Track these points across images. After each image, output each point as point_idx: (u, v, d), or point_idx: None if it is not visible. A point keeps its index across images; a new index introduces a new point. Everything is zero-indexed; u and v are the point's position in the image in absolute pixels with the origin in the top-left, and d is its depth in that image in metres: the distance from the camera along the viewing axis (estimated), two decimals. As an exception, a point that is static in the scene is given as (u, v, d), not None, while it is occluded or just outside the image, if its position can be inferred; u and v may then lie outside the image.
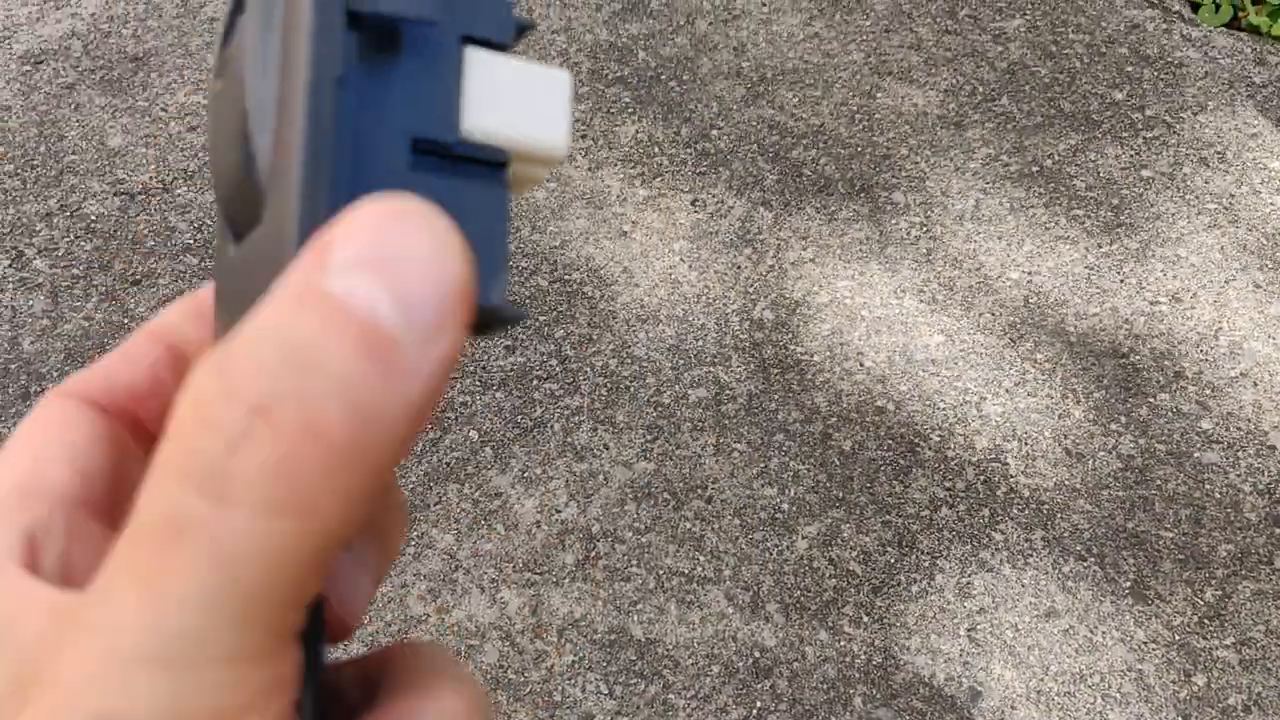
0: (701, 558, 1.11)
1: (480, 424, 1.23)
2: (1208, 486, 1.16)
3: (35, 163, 1.52)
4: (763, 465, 1.17)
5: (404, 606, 1.10)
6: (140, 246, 1.40)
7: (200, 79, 1.62)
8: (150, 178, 1.49)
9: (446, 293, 0.16)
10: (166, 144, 1.53)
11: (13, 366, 1.28)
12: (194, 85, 1.61)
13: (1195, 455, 1.19)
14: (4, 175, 1.50)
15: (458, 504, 1.17)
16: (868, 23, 1.67)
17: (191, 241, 1.40)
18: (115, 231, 1.42)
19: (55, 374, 1.27)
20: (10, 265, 1.38)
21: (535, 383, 1.26)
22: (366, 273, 0.15)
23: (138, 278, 1.37)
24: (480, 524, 1.16)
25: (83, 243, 1.41)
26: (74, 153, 1.53)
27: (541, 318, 1.32)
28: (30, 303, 1.34)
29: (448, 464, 1.20)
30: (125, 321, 1.32)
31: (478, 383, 1.26)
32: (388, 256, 0.16)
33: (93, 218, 1.44)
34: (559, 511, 1.15)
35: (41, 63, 1.65)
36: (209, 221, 1.42)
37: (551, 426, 1.21)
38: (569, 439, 1.20)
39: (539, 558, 1.12)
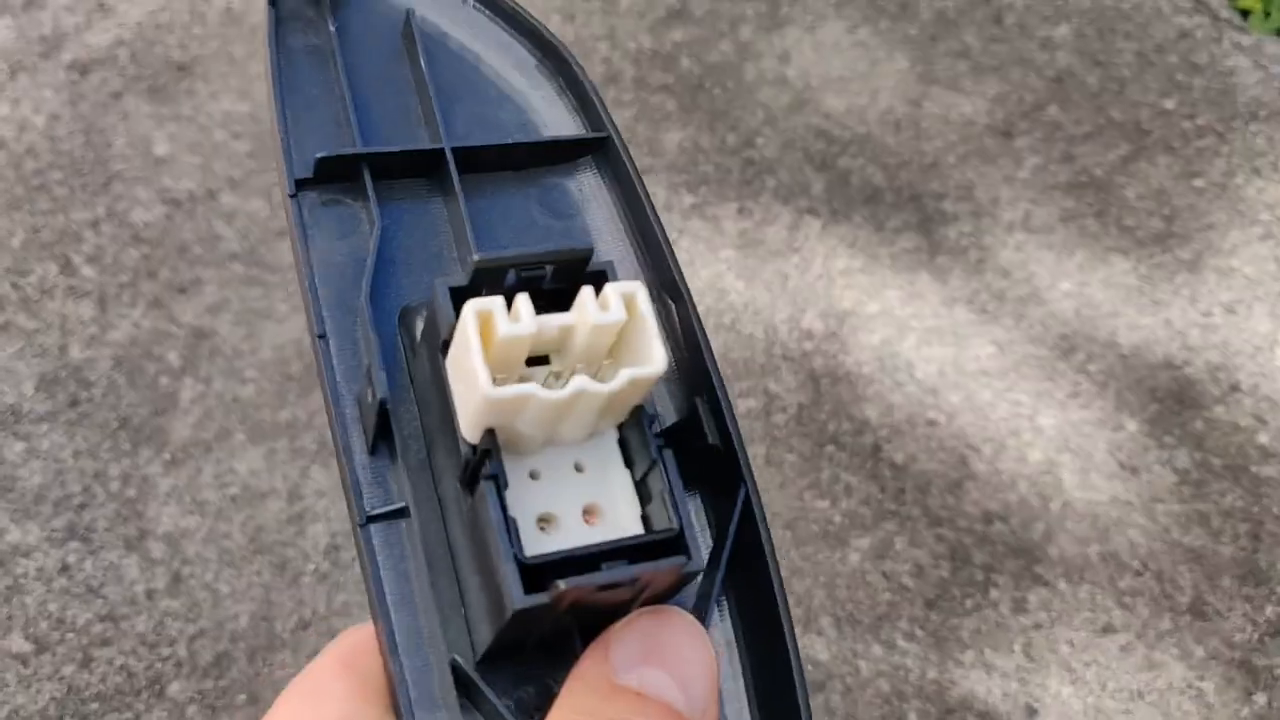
0: (752, 570, 1.10)
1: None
2: (1265, 501, 1.14)
3: (83, 170, 1.52)
4: (814, 477, 1.16)
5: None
6: (186, 254, 1.41)
7: (243, 86, 1.62)
8: (196, 185, 1.50)
9: (712, 674, 0.21)
10: (211, 151, 1.54)
11: (62, 374, 1.29)
12: (238, 93, 1.61)
13: (1253, 469, 1.17)
14: (53, 183, 1.50)
15: (505, 514, 1.17)
16: (914, 30, 1.65)
17: (237, 249, 1.41)
18: (161, 239, 1.43)
19: (104, 381, 1.27)
20: (60, 272, 1.39)
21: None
22: (653, 667, 0.20)
23: (184, 285, 1.37)
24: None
25: (130, 250, 1.42)
26: (121, 160, 1.54)
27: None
28: (79, 310, 1.35)
29: (495, 474, 1.19)
30: (171, 329, 1.32)
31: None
32: (666, 653, 0.20)
33: (139, 225, 1.45)
34: (607, 522, 1.14)
35: (89, 71, 1.66)
36: (254, 228, 1.43)
37: (599, 437, 1.21)
38: (617, 449, 1.20)
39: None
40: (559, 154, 0.47)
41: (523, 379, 0.30)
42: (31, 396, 1.27)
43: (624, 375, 0.30)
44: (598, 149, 0.47)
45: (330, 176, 0.43)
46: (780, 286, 1.35)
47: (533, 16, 0.51)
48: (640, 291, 0.31)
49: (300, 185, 0.43)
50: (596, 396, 0.30)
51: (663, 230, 0.44)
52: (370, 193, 0.43)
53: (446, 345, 0.32)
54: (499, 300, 0.30)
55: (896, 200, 1.44)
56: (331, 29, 0.49)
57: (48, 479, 1.20)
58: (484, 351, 0.30)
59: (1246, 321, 1.30)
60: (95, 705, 1.06)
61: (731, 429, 0.38)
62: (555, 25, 1.67)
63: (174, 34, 1.72)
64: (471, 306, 0.30)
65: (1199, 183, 1.45)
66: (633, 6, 1.70)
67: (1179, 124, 1.53)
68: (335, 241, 0.43)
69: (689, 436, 0.38)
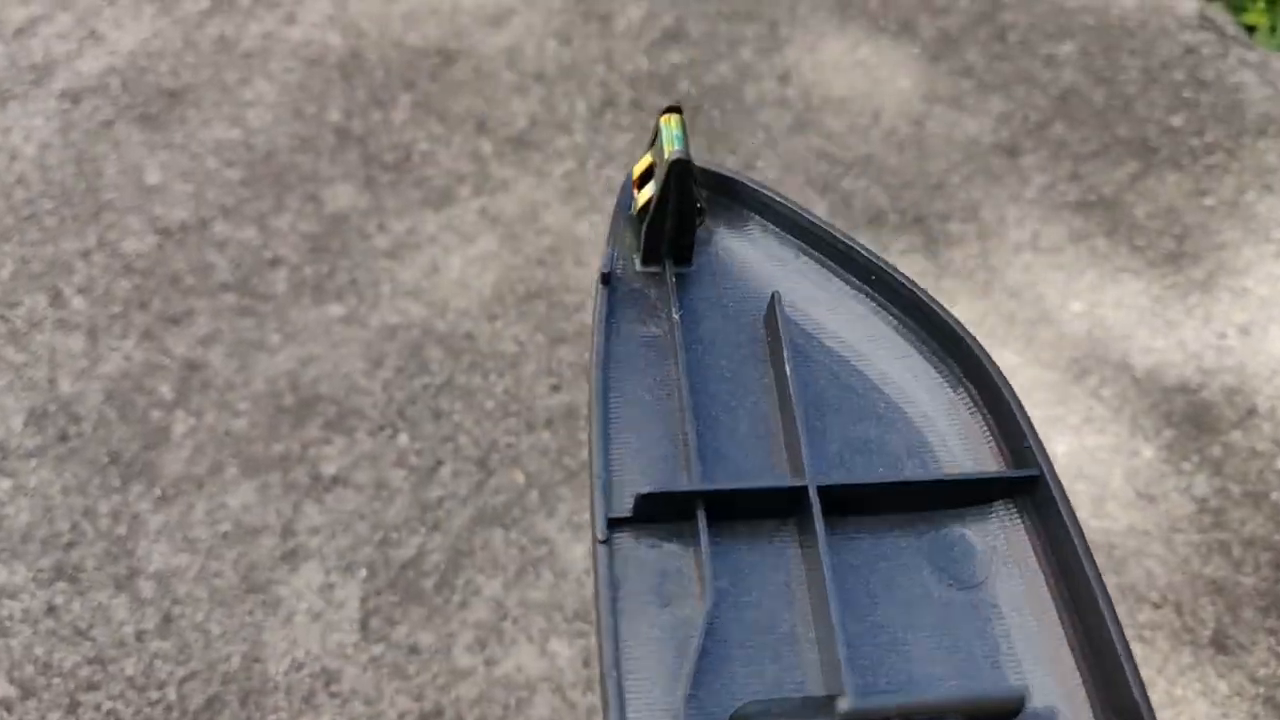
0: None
1: (526, 465, 1.19)
2: (1287, 528, 1.11)
3: (74, 200, 1.50)
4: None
5: (450, 659, 1.07)
6: (178, 284, 1.38)
7: (236, 114, 1.60)
8: (188, 214, 1.47)
9: None
10: (203, 179, 1.51)
11: (51, 407, 1.26)
12: (230, 120, 1.59)
13: (1273, 496, 1.14)
14: (43, 213, 1.48)
15: (504, 550, 1.13)
16: (915, 49, 1.63)
17: (229, 279, 1.38)
18: (153, 269, 1.40)
19: (94, 415, 1.24)
20: (50, 304, 1.36)
21: (582, 423, 1.22)
22: None
23: (176, 316, 1.34)
24: (528, 571, 1.12)
25: (121, 280, 1.39)
26: (112, 189, 1.51)
27: (587, 354, 1.28)
28: (68, 342, 1.32)
29: (493, 508, 1.16)
30: (164, 361, 1.29)
31: (523, 423, 1.23)
32: None
33: (131, 255, 1.42)
34: (610, 557, 1.11)
35: (80, 100, 1.64)
36: (246, 257, 1.40)
37: (600, 468, 1.17)
38: (618, 481, 1.16)
39: (590, 607, 1.08)
40: (966, 496, 0.38)
41: None
42: (20, 431, 1.24)
43: None
44: (1022, 492, 0.38)
45: (654, 515, 0.37)
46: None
47: (936, 302, 0.43)
48: None
49: (614, 525, 0.36)
50: None
51: (1114, 616, 0.33)
52: (704, 545, 0.35)
53: None
54: None
55: (901, 222, 1.41)
56: (675, 316, 0.44)
57: (36, 516, 1.17)
58: None
59: (1262, 343, 1.27)
60: (82, 753, 1.02)
61: None
62: (551, 50, 1.65)
63: (166, 61, 1.69)
64: None
65: (1209, 200, 1.43)
66: (629, 29, 1.67)
67: (1187, 141, 1.50)
68: (649, 603, 0.35)
69: None
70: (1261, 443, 1.18)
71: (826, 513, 0.36)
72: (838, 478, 0.38)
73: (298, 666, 1.07)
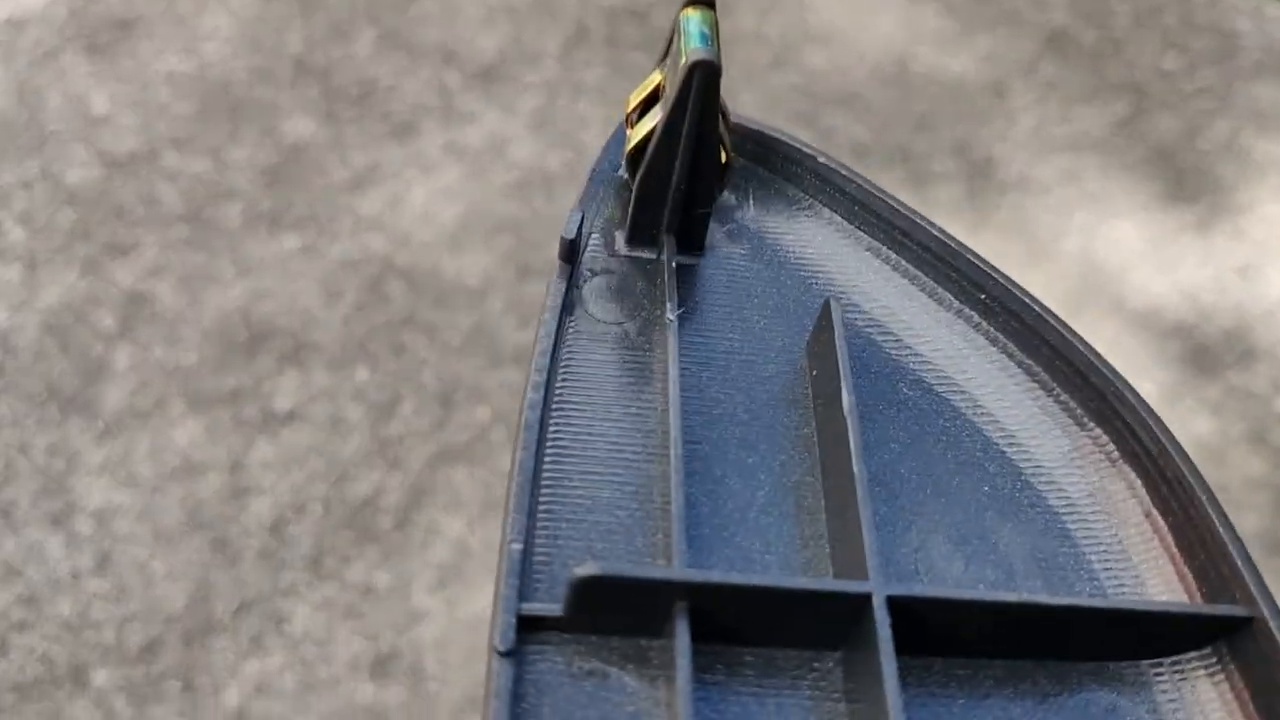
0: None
1: (491, 401, 1.13)
2: (1287, 470, 1.07)
3: (15, 130, 1.42)
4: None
5: (408, 600, 1.00)
6: (125, 215, 1.31)
7: (189, 44, 1.52)
8: (137, 146, 1.39)
9: None
10: (155, 112, 1.44)
11: (-15, 340, 1.18)
12: (183, 51, 1.51)
13: (1272, 437, 1.09)
14: (-21, 138, 1.40)
15: (467, 488, 1.07)
16: (900, -11, 1.58)
17: (180, 211, 1.31)
18: (99, 200, 1.33)
19: (32, 348, 1.17)
20: (-16, 232, 1.28)
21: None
22: None
23: (122, 247, 1.27)
24: (492, 510, 1.06)
25: (64, 211, 1.31)
26: (57, 120, 1.43)
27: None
28: (6, 273, 1.24)
29: (456, 445, 1.10)
30: (107, 293, 1.22)
31: (488, 359, 1.16)
32: None
33: (75, 186, 1.34)
34: (580, 495, 1.05)
35: (24, 28, 1.56)
36: (198, 189, 1.32)
37: (570, 404, 1.11)
38: (590, 418, 1.10)
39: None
40: (1125, 640, 0.24)
41: None
42: (-48, 366, 1.17)
43: None
44: (1220, 641, 0.24)
45: (602, 617, 0.23)
46: (764, 248, 1.27)
47: (1083, 342, 0.30)
48: None
49: (529, 628, 0.23)
50: None
51: None
52: (682, 680, 0.21)
53: None
54: None
55: (885, 159, 1.35)
56: (671, 318, 0.31)
57: (-33, 453, 1.10)
58: None
59: (1259, 284, 1.22)
60: (11, 696, 0.95)
61: None
62: (523, -19, 1.58)
63: (116, -11, 1.62)
64: None
65: (1203, 143, 1.38)
66: (605, -36, 1.61)
67: (1179, 84, 1.45)
68: None
69: None
70: (1259, 384, 1.14)
71: (901, 646, 0.22)
72: (924, 588, 0.24)
73: (245, 607, 1.00)
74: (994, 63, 1.48)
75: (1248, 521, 1.03)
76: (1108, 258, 1.25)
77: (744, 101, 1.42)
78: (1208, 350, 1.17)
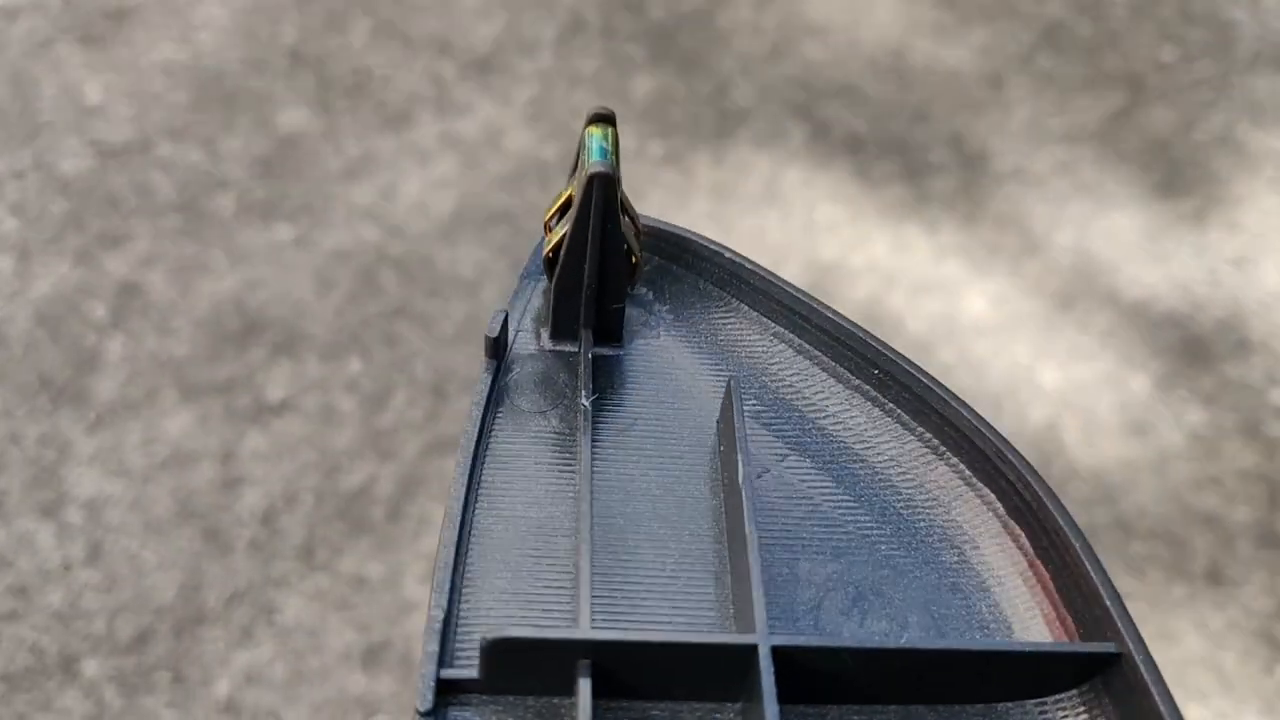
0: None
1: (485, 393, 1.12)
2: (1281, 463, 1.06)
3: (8, 120, 1.41)
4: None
5: (400, 591, 1.00)
6: (119, 206, 1.30)
7: (185, 34, 1.52)
8: (131, 136, 1.39)
9: None
10: (149, 102, 1.43)
11: (-23, 330, 1.18)
12: (178, 41, 1.51)
13: (1266, 429, 1.09)
14: (-28, 128, 1.39)
15: (461, 478, 1.07)
16: (896, -20, 1.57)
17: (173, 201, 1.30)
18: (92, 190, 1.32)
19: (24, 338, 1.17)
20: (-24, 222, 1.28)
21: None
22: None
23: (115, 238, 1.27)
24: (485, 500, 1.06)
25: (57, 201, 1.31)
26: (50, 110, 1.43)
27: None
28: (-2, 263, 1.24)
29: (449, 436, 1.10)
30: (99, 283, 1.21)
31: (481, 351, 1.16)
32: None
33: (69, 175, 1.34)
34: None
35: (17, 18, 1.55)
36: (192, 180, 1.32)
37: (563, 395, 1.11)
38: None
39: (550, 536, 1.02)
40: (1005, 681, 0.26)
41: None
42: (-56, 355, 1.17)
43: None
44: (1094, 678, 0.26)
45: (513, 679, 0.25)
46: (758, 239, 1.26)
47: (970, 410, 0.33)
48: None
49: (449, 691, 0.25)
50: None
51: None
52: None
53: None
54: None
55: (881, 150, 1.35)
56: (585, 403, 0.34)
57: (-41, 443, 1.10)
58: None
59: (1254, 276, 1.22)
60: (1, 686, 0.95)
61: None
62: (518, -29, 1.57)
63: (111, -21, 1.61)
64: None
65: (1199, 135, 1.38)
66: (601, -45, 1.60)
67: (1176, 76, 1.45)
68: None
69: None
70: (1254, 375, 1.13)
71: (788, 698, 0.24)
72: (807, 637, 0.26)
73: (236, 597, 1.00)
74: (990, 54, 1.48)
75: (1240, 514, 1.03)
76: (1102, 249, 1.25)
77: (741, 93, 1.42)
78: (1202, 342, 1.16)
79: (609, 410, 0.34)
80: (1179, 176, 1.33)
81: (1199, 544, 1.01)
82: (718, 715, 0.25)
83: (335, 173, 1.32)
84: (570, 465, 0.32)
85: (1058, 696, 0.27)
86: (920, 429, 0.34)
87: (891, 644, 0.26)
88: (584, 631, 0.25)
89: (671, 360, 0.37)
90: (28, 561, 1.01)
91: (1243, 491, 1.04)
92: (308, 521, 1.04)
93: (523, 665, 0.25)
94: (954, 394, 0.33)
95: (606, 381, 0.35)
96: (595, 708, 0.24)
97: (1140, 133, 1.38)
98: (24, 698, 0.94)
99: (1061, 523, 0.29)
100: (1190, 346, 1.16)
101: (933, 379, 0.33)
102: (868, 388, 0.35)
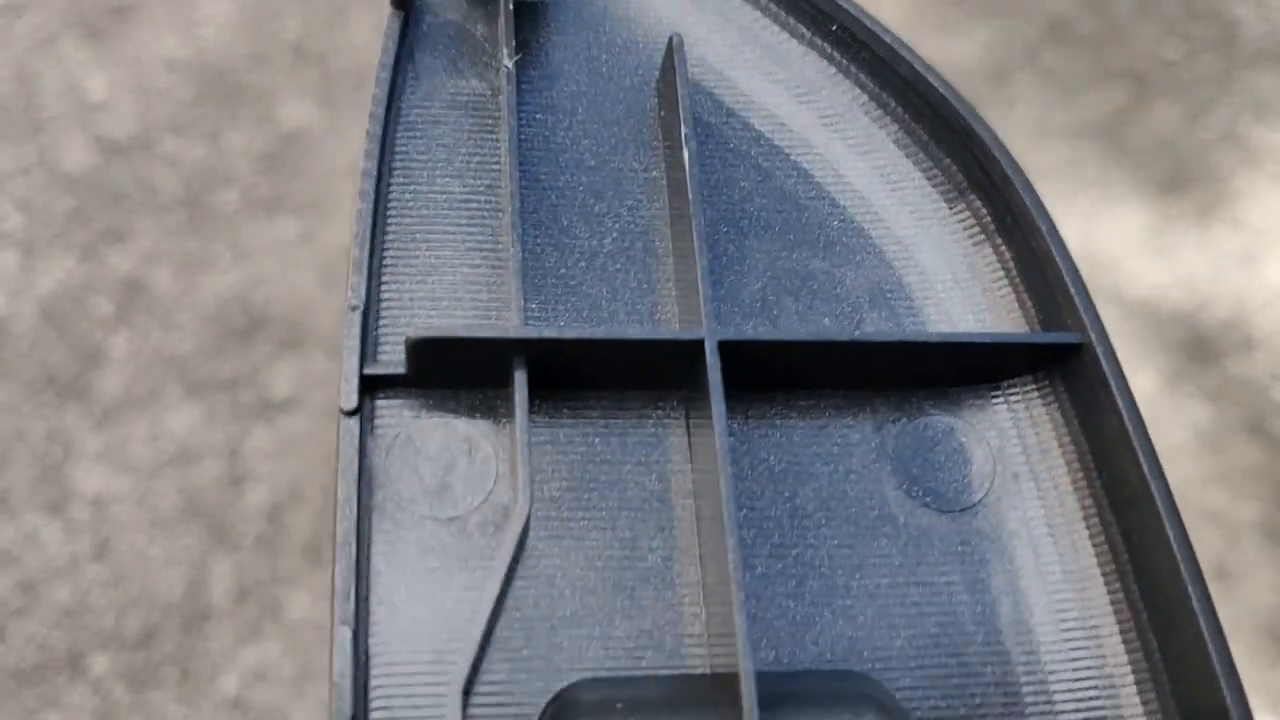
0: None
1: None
2: (1286, 459, 1.07)
3: (12, 116, 1.41)
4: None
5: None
6: (123, 201, 1.30)
7: (188, 28, 1.51)
8: (134, 132, 1.39)
9: None
10: (152, 97, 1.43)
11: (-18, 326, 1.18)
12: (182, 36, 1.51)
13: (1271, 426, 1.09)
14: (-24, 124, 1.39)
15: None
16: (900, -25, 1.57)
17: (178, 197, 1.30)
18: (96, 186, 1.32)
19: (30, 335, 1.17)
20: (-19, 218, 1.28)
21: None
22: None
23: (120, 233, 1.27)
24: (491, 497, 1.06)
25: (62, 197, 1.31)
26: (55, 105, 1.43)
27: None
28: (4, 260, 1.24)
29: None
30: (104, 279, 1.21)
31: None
32: None
33: (73, 171, 1.34)
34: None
35: (22, 14, 1.55)
36: (196, 175, 1.32)
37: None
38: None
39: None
40: (962, 369, 0.25)
41: None
42: (-51, 352, 1.17)
43: None
44: (1051, 368, 0.25)
45: (442, 374, 0.24)
46: None
47: (930, 70, 0.29)
48: None
49: (373, 387, 0.24)
50: None
51: (1190, 556, 0.22)
52: (519, 428, 0.22)
53: None
54: None
55: (886, 147, 1.35)
56: (508, 64, 0.29)
57: (-35, 439, 1.10)
58: None
59: (1259, 273, 1.22)
60: (10, 683, 0.95)
61: None
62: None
63: (114, -25, 1.61)
64: None
65: (1204, 131, 1.38)
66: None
67: (1180, 72, 1.45)
68: (423, 513, 0.24)
69: None
70: (1259, 373, 1.14)
71: (734, 384, 0.22)
72: (755, 331, 0.24)
73: (243, 594, 1.00)
74: (995, 50, 1.47)
75: (1246, 511, 1.03)
76: (1107, 245, 1.25)
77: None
78: (1206, 338, 1.16)
79: (533, 69, 0.29)
80: (1183, 173, 1.33)
81: (1205, 540, 1.01)
82: (661, 402, 0.24)
83: (340, 168, 1.32)
84: (493, 134, 0.28)
85: (1011, 383, 0.26)
86: (881, 92, 0.31)
87: (844, 336, 0.25)
88: (517, 330, 0.23)
89: (606, 9, 0.31)
90: (35, 557, 1.02)
91: (1248, 488, 1.04)
92: (314, 518, 1.04)
93: (452, 363, 0.23)
94: (922, 59, 0.30)
95: (530, 35, 0.30)
96: (532, 400, 0.23)
97: (1144, 129, 1.38)
98: (32, 693, 0.95)
99: (1028, 201, 0.28)
100: (1195, 343, 1.16)
101: (899, 40, 0.30)
102: (824, 44, 0.31)
